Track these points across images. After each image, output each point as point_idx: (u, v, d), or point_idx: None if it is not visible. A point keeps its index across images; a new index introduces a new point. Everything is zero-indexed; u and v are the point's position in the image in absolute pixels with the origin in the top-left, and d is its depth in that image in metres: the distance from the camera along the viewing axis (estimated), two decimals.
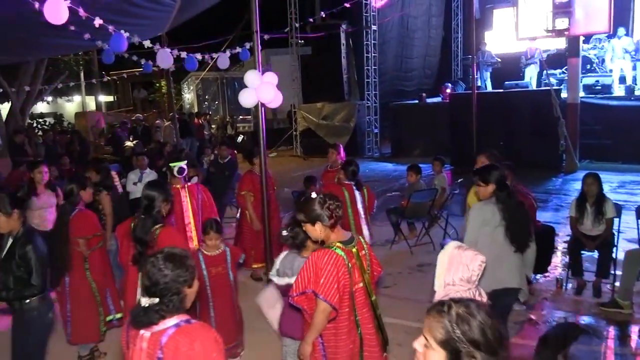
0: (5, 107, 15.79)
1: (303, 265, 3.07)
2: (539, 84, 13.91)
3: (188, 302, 2.28)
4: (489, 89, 15.05)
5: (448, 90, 15.13)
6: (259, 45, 4.89)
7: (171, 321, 2.19)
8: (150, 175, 8.43)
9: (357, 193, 5.76)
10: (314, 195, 3.12)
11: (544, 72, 13.70)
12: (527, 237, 4.02)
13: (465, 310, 1.69)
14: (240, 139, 19.09)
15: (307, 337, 3.12)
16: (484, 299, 3.34)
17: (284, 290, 3.66)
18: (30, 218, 5.23)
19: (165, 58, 6.99)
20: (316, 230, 3.08)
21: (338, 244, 3.08)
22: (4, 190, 8.28)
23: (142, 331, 2.21)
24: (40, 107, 24.14)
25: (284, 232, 3.72)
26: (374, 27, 15.82)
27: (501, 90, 13.55)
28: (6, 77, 14.08)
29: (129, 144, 13.67)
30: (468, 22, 17.38)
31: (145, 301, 2.20)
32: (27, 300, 3.63)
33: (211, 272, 4.21)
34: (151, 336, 2.19)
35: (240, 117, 21.76)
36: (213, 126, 19.08)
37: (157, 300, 2.18)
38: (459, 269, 3.23)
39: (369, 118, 16.35)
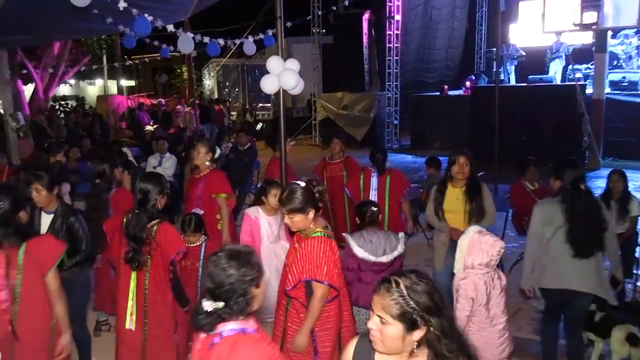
0: (29, 88, 15.96)
1: (308, 254, 3.05)
2: (563, 78, 13.66)
3: (255, 303, 2.13)
4: (512, 82, 14.84)
5: (469, 83, 14.96)
6: (282, 32, 4.84)
7: (228, 325, 2.06)
8: (169, 159, 8.49)
9: (374, 179, 5.80)
10: (302, 183, 3.10)
11: (569, 66, 13.46)
12: (590, 244, 3.79)
13: (411, 282, 1.79)
14: (259, 126, 19.10)
15: (305, 328, 3.10)
16: (503, 281, 3.49)
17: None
18: None
19: (186, 43, 6.98)
20: (307, 219, 3.05)
21: (326, 231, 3.14)
22: (29, 169, 8.44)
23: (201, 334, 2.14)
24: (63, 90, 24.35)
25: None
26: (397, 17, 15.64)
27: (525, 84, 13.35)
28: (30, 59, 14.23)
29: (149, 128, 13.75)
30: (493, 15, 17.18)
31: (208, 305, 2.06)
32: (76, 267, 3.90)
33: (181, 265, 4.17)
34: (204, 339, 2.11)
35: (260, 104, 21.75)
36: (233, 113, 19.09)
37: (222, 304, 2.04)
38: (479, 254, 3.36)
39: (389, 109, 16.23)
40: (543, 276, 3.91)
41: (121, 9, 5.72)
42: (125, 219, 3.52)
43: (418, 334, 1.79)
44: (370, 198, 5.67)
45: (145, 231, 3.41)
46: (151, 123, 15.07)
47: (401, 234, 4.28)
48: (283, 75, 4.62)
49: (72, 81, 24.32)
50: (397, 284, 1.79)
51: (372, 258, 4.00)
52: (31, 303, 3.14)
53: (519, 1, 16.55)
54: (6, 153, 9.46)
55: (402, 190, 5.82)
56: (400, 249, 4.12)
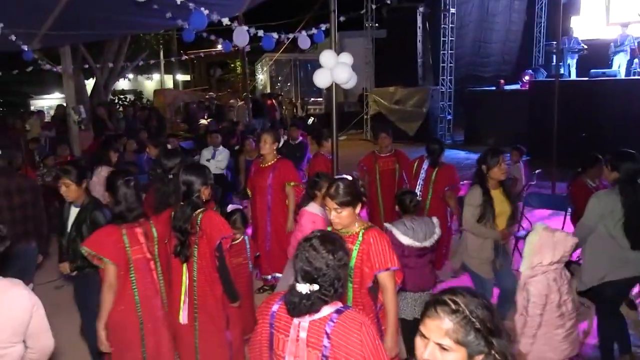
0: (90, 82, 16.55)
1: (375, 247, 2.96)
2: (627, 73, 13.04)
3: (344, 287, 2.17)
4: (573, 77, 14.27)
5: (527, 77, 14.50)
6: (336, 26, 4.80)
7: (331, 308, 2.11)
8: (222, 152, 8.62)
9: (424, 169, 5.91)
10: (348, 177, 3.05)
11: (635, 60, 12.83)
12: None
13: (468, 300, 1.61)
14: (310, 121, 19.15)
15: (391, 328, 2.98)
16: (569, 278, 3.47)
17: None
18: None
19: (241, 36, 7.03)
20: (354, 214, 2.99)
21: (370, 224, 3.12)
22: (76, 160, 8.72)
23: (296, 320, 2.13)
24: (122, 84, 25.17)
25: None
26: (452, 10, 15.33)
27: (586, 79, 12.81)
28: (92, 54, 14.74)
29: (203, 122, 14.00)
30: (553, 6, 16.58)
31: (304, 288, 2.08)
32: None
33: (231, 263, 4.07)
34: (312, 324, 2.10)
35: (312, 99, 21.80)
36: (284, 107, 19.22)
37: (317, 286, 2.08)
38: (551, 251, 3.31)
39: (443, 104, 15.94)
40: (610, 269, 3.86)
41: (178, 2, 5.81)
42: (172, 213, 3.52)
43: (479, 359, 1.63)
44: (416, 186, 5.86)
45: (189, 222, 3.40)
46: (205, 117, 15.35)
47: (434, 219, 4.28)
48: (336, 69, 4.58)
49: (131, 76, 25.10)
50: (456, 304, 1.60)
51: (417, 244, 4.01)
52: (165, 273, 3.57)
53: None
54: (68, 144, 9.82)
55: (445, 185, 5.87)
56: (438, 231, 4.15)
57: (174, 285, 3.56)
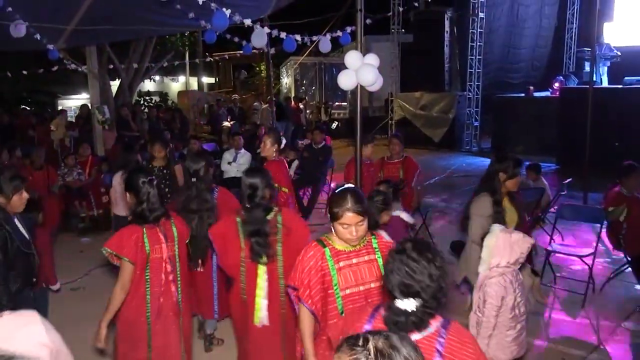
0: (115, 83, 16.64)
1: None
2: None
3: (446, 296, 2.00)
4: (605, 84, 13.85)
5: (558, 84, 14.11)
6: (362, 25, 4.61)
7: (436, 322, 1.97)
8: (244, 155, 8.50)
9: None
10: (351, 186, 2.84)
11: None
12: None
13: (385, 343, 1.39)
14: (334, 125, 18.98)
15: None
16: (521, 281, 3.48)
17: None
18: None
19: (260, 37, 6.91)
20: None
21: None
22: (109, 161, 8.64)
23: None
24: (148, 85, 25.35)
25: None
26: (481, 15, 15.01)
27: (619, 86, 12.40)
28: (117, 55, 14.80)
29: (226, 124, 13.94)
30: (585, 12, 16.15)
31: (409, 304, 1.91)
32: None
33: None
34: (419, 343, 1.86)
35: (336, 103, 21.63)
36: (308, 111, 19.09)
37: (420, 300, 1.91)
38: (508, 252, 3.31)
39: (470, 110, 15.62)
40: None
41: (200, 2, 5.70)
42: (238, 219, 3.48)
43: None
44: None
45: (266, 223, 3.41)
46: (228, 119, 15.29)
47: None
48: (361, 71, 4.38)
49: (157, 77, 25.28)
50: (366, 342, 1.40)
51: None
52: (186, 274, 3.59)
53: None
54: (91, 144, 9.81)
55: None
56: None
57: (249, 291, 3.50)
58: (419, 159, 14.23)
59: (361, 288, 2.70)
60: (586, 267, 5.52)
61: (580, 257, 5.72)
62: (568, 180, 7.94)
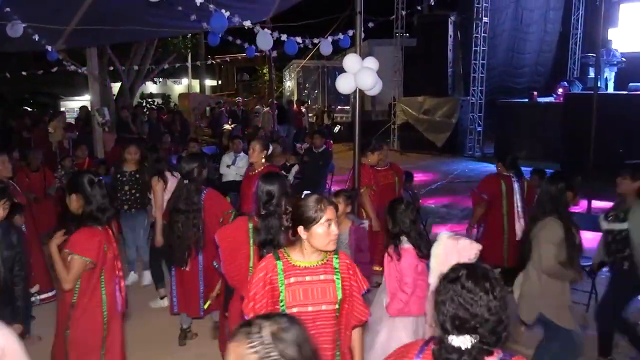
0: (116, 85, 16.60)
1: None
2: None
3: (508, 329, 1.76)
4: (610, 90, 13.73)
5: (562, 90, 13.99)
6: (362, 28, 4.53)
7: (494, 358, 1.75)
8: (243, 159, 8.40)
9: (516, 185, 5.64)
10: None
11: None
12: None
13: (278, 328, 1.49)
14: (337, 129, 18.89)
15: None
16: None
17: None
18: None
19: (265, 39, 6.81)
20: None
21: None
22: (106, 164, 8.53)
23: None
24: (151, 88, 25.34)
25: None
26: (485, 19, 14.92)
27: (625, 92, 12.30)
28: (118, 57, 14.75)
29: (227, 127, 13.86)
30: (590, 17, 16.03)
31: (463, 341, 1.71)
32: None
33: None
34: None
35: (339, 107, 21.55)
36: (310, 114, 19.02)
37: (476, 336, 1.69)
38: (456, 258, 3.06)
39: (473, 115, 15.51)
40: None
41: (197, 4, 5.63)
42: (252, 225, 3.33)
43: None
44: (516, 203, 5.66)
45: (279, 234, 3.26)
46: (229, 122, 15.22)
47: None
48: (360, 75, 4.30)
49: (160, 79, 25.24)
50: (261, 329, 1.47)
51: None
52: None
53: (620, 3, 15.32)
54: (90, 146, 9.75)
55: (533, 197, 5.46)
56: None
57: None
58: (421, 163, 14.30)
59: (310, 308, 2.54)
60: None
61: (583, 267, 5.60)
62: None
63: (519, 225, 5.58)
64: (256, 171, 5.11)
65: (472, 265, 1.84)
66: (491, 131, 15.62)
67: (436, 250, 3.27)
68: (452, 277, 1.77)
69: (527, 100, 14.62)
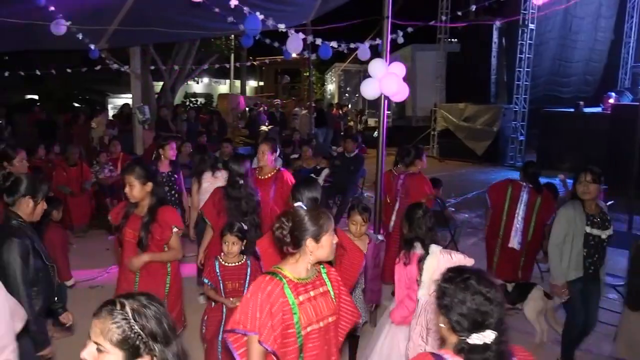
0: (159, 84, 16.93)
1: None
2: None
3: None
4: None
5: (611, 100, 13.47)
6: (389, 33, 4.45)
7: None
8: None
9: (524, 195, 5.42)
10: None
11: None
12: None
13: (139, 304, 1.65)
14: (375, 133, 18.73)
15: None
16: None
17: None
18: None
19: (295, 43, 6.80)
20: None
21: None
22: (141, 161, 8.69)
23: None
24: (196, 88, 25.77)
25: None
26: (531, 26, 14.53)
27: None
28: (161, 56, 15.04)
29: (263, 128, 13.93)
30: None
31: (484, 336, 1.78)
32: None
33: (227, 287, 3.70)
34: None
35: (377, 111, 21.41)
36: (349, 118, 18.95)
37: (495, 333, 1.79)
38: None
39: (515, 123, 15.13)
40: None
41: (232, 6, 5.66)
42: None
43: None
44: (518, 212, 5.48)
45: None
46: (266, 123, 15.30)
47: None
48: (385, 80, 4.22)
49: (205, 80, 25.62)
50: (123, 307, 1.63)
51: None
52: None
53: None
54: (129, 143, 9.95)
55: (550, 215, 5.40)
56: None
57: None
58: (460, 172, 14.03)
59: (321, 324, 2.43)
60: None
61: (614, 286, 5.36)
62: (610, 202, 7.49)
63: (516, 237, 5.40)
64: (268, 175, 4.85)
65: (469, 267, 1.98)
66: (534, 141, 15.18)
67: (430, 264, 3.21)
68: (461, 278, 1.85)
69: (573, 110, 14.14)
